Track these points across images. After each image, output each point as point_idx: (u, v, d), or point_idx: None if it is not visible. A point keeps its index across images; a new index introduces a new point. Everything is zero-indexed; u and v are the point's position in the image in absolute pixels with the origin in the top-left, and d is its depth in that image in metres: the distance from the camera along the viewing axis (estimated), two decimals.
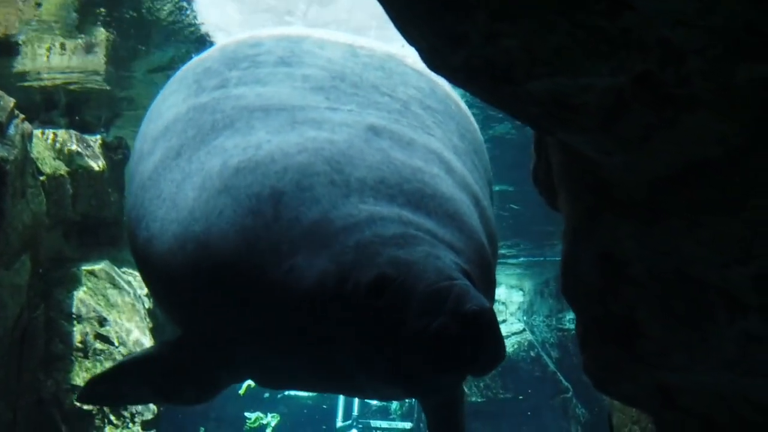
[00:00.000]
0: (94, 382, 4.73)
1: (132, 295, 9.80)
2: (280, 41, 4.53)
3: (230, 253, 3.66)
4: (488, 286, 4.22)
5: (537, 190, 4.20)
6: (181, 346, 4.19)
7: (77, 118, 11.65)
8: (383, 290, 3.39)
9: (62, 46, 9.88)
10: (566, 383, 22.28)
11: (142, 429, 9.19)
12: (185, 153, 4.04)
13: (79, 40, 9.74)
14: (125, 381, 4.48)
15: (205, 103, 4.20)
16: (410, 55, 4.79)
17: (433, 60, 3.13)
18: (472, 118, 5.04)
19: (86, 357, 9.49)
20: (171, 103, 4.48)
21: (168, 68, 10.29)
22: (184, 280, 3.88)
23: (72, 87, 11.13)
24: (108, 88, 11.30)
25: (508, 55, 2.91)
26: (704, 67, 2.81)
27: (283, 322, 3.62)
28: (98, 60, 10.43)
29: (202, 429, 18.91)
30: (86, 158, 10.32)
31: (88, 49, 10.11)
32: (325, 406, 23.15)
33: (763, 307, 3.17)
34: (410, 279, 3.39)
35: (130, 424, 9.32)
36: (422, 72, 4.69)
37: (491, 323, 3.33)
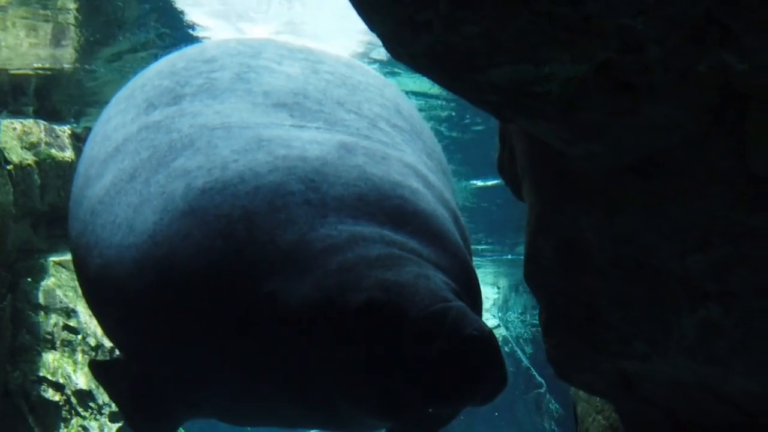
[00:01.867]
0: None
1: None
2: (234, 56, 4.28)
3: (198, 279, 3.48)
4: (475, 306, 3.95)
5: (502, 179, 4.22)
6: (136, 377, 3.91)
7: (46, 107, 11.57)
8: (373, 315, 3.20)
9: (30, 33, 9.80)
10: (540, 379, 22.38)
11: (110, 421, 9.15)
12: (141, 175, 3.81)
13: (47, 26, 9.67)
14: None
15: (158, 121, 3.97)
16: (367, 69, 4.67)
17: (394, 47, 3.13)
18: (435, 137, 4.87)
19: (54, 348, 9.44)
20: (118, 123, 4.21)
21: (137, 51, 10.25)
22: (144, 308, 3.66)
23: (41, 75, 11.06)
24: (77, 77, 11.23)
25: (469, 43, 2.92)
26: (664, 56, 2.82)
27: (261, 351, 3.41)
28: (67, 48, 10.36)
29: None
30: (54, 148, 10.25)
31: (57, 36, 10.03)
32: None
33: (723, 295, 3.20)
34: (402, 302, 3.20)
35: (98, 416, 9.28)
36: (384, 89, 4.50)
37: (494, 347, 3.20)
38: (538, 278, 3.75)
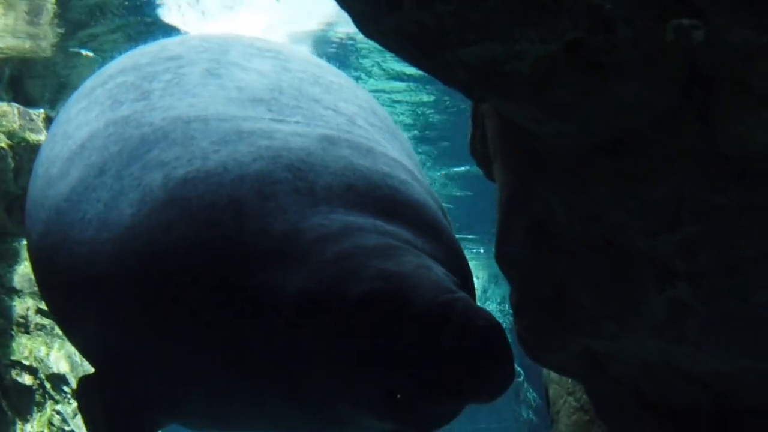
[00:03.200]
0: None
1: None
2: (200, 53, 4.15)
3: (185, 270, 3.33)
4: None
5: (474, 160, 4.23)
6: (112, 384, 3.68)
7: (21, 91, 11.48)
8: (374, 307, 3.04)
9: (4, 13, 9.71)
10: (518, 368, 22.46)
11: None
12: (111, 170, 3.66)
13: (23, 4, 9.59)
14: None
15: (126, 116, 3.81)
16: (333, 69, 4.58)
17: (365, 25, 3.13)
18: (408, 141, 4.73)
19: (27, 332, 9.39)
20: (81, 121, 4.05)
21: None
22: (125, 303, 3.49)
23: (15, 59, 10.97)
24: (52, 61, 11.15)
25: (440, 21, 2.92)
26: (633, 36, 2.83)
27: (254, 345, 3.25)
28: (43, 30, 10.29)
29: None
30: (29, 132, 10.17)
31: (32, 17, 9.95)
32: None
33: (691, 274, 3.22)
34: (405, 293, 3.04)
35: (72, 400, 9.25)
36: (357, 90, 4.41)
37: (505, 341, 3.02)
38: (509, 259, 3.76)
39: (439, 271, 3.23)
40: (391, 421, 3.15)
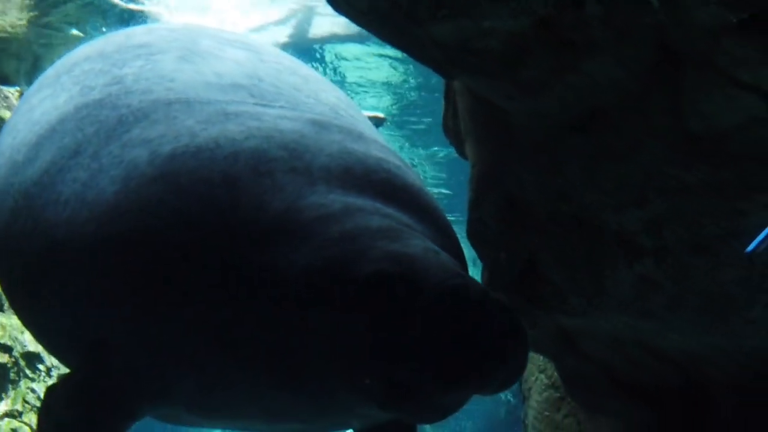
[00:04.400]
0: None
1: None
2: (170, 42, 4.03)
3: (178, 247, 3.20)
4: None
5: (447, 137, 4.26)
6: (90, 378, 3.50)
7: None
8: (383, 289, 2.91)
9: None
10: None
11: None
12: (87, 150, 3.55)
13: None
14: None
15: (100, 99, 3.71)
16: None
17: (339, 3, 3.14)
18: None
19: (2, 310, 9.38)
20: (47, 108, 3.92)
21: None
22: (111, 285, 3.35)
23: None
24: (27, 38, 11.07)
25: None
26: (603, 13, 2.86)
27: (253, 326, 3.13)
28: (14, 6, 10.21)
29: None
30: (3, 109, 10.11)
31: None
32: None
33: (657, 250, 3.27)
34: (415, 275, 2.90)
35: (46, 378, 9.24)
36: (330, 84, 4.35)
37: (521, 326, 2.90)
38: (481, 236, 3.79)
39: (444, 255, 3.09)
40: (395, 410, 2.99)
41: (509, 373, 2.87)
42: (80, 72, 3.96)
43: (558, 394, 4.87)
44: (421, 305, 2.83)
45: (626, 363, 3.98)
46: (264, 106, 3.59)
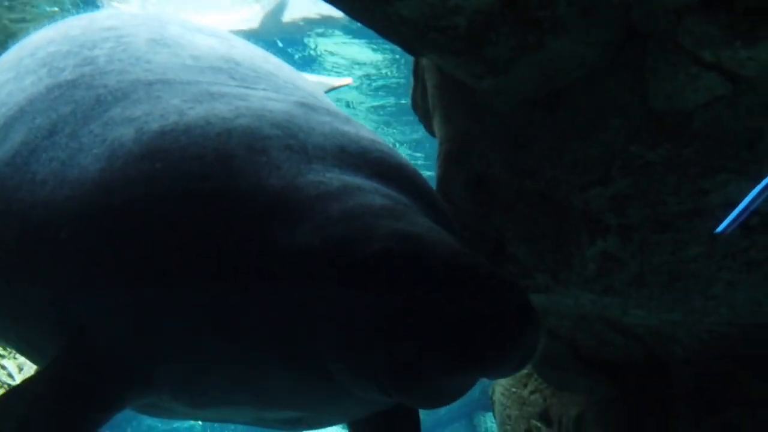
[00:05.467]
0: None
1: None
2: (138, 26, 3.92)
3: (169, 226, 3.10)
4: None
5: (416, 114, 4.27)
6: (70, 369, 3.31)
7: None
8: (390, 267, 2.80)
9: None
10: None
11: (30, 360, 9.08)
12: (63, 130, 3.45)
13: None
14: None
15: (73, 80, 3.63)
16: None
17: None
18: None
19: None
20: (11, 89, 3.81)
21: None
22: (97, 270, 3.22)
23: None
24: None
25: None
26: None
27: (250, 307, 3.02)
28: None
29: None
30: None
31: None
32: None
33: (621, 228, 3.30)
34: (423, 254, 2.81)
35: (17, 355, 9.24)
36: (301, 74, 4.31)
37: (532, 307, 2.81)
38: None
39: (448, 235, 3.01)
40: (401, 393, 2.84)
41: (524, 354, 2.72)
42: (45, 54, 3.85)
43: (525, 371, 4.92)
44: (432, 284, 2.73)
45: (591, 340, 4.03)
46: (247, 88, 3.51)
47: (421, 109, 4.11)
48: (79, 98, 3.52)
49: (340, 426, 3.91)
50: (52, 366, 3.34)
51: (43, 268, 3.34)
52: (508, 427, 4.73)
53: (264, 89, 3.54)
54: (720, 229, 3.17)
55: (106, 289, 3.21)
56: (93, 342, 3.27)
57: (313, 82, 4.21)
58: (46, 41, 3.96)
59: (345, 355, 2.88)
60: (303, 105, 3.42)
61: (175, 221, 3.08)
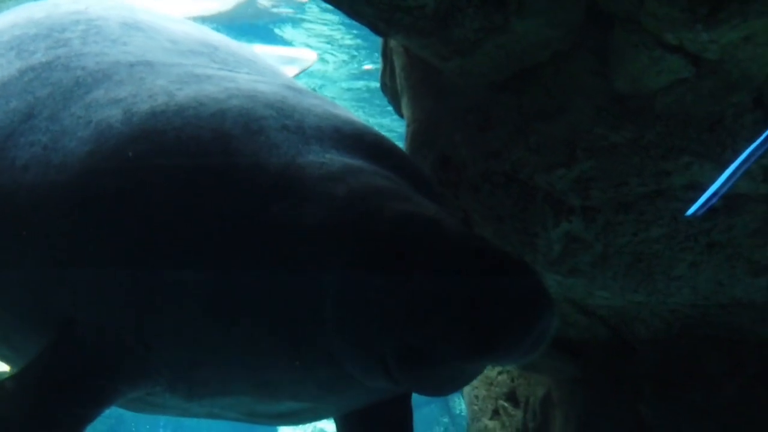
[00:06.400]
0: None
1: None
2: (107, 10, 3.80)
3: (166, 207, 2.99)
4: None
5: (384, 95, 4.28)
6: (51, 364, 3.17)
7: None
8: (400, 249, 2.72)
9: None
10: None
11: None
12: (41, 113, 3.35)
13: None
14: None
15: (47, 62, 3.52)
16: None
17: None
18: None
19: None
20: None
21: None
22: (90, 255, 3.11)
23: None
24: None
25: None
26: None
27: (252, 291, 2.92)
28: None
29: None
30: None
31: None
32: None
33: (585, 209, 3.33)
34: (433, 235, 2.74)
35: None
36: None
37: (546, 291, 2.72)
38: None
39: (455, 218, 2.95)
40: (409, 379, 2.76)
41: (536, 339, 2.62)
42: (11, 38, 3.72)
43: None
44: (445, 268, 2.64)
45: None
46: (231, 71, 3.42)
47: (389, 90, 4.11)
48: (56, 80, 3.44)
49: (327, 421, 3.83)
50: (37, 361, 3.18)
51: (28, 255, 3.23)
52: (476, 407, 4.76)
53: (248, 73, 3.47)
54: (690, 212, 3.20)
55: (99, 274, 3.09)
56: (83, 333, 3.13)
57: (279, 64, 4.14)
58: (8, 25, 3.84)
59: (354, 340, 2.79)
60: (291, 88, 3.36)
61: (172, 202, 2.98)
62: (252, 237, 2.87)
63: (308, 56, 10.75)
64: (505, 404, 4.57)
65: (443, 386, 2.81)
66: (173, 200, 2.98)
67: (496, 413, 4.62)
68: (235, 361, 3.00)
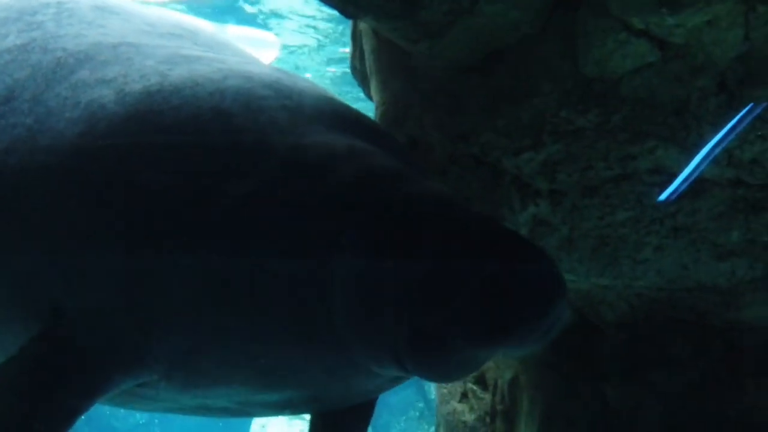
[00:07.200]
0: None
1: None
2: None
3: (167, 188, 2.89)
4: None
5: (354, 78, 4.28)
6: (40, 353, 3.04)
7: None
8: (415, 230, 2.66)
9: None
10: None
11: None
12: (22, 95, 3.26)
13: None
14: None
15: (23, 44, 3.43)
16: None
17: None
18: None
19: None
20: None
21: None
22: (85, 240, 2.99)
23: None
24: None
25: None
26: None
27: (258, 278, 2.83)
28: None
29: None
30: None
31: None
32: None
33: (552, 193, 3.35)
34: (446, 217, 2.69)
35: None
36: None
37: (561, 276, 2.67)
38: None
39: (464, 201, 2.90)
40: (420, 364, 2.69)
41: (550, 325, 2.58)
42: None
43: None
44: (457, 251, 2.59)
45: None
46: (216, 54, 3.33)
47: (359, 73, 4.11)
48: (35, 62, 3.35)
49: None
50: (23, 352, 3.04)
51: (14, 240, 3.12)
52: (445, 390, 4.79)
53: (233, 54, 3.41)
54: (662, 197, 3.23)
55: (95, 258, 2.99)
56: (73, 320, 3.02)
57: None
58: None
59: (364, 324, 2.72)
60: (281, 71, 3.29)
61: (172, 181, 2.90)
62: (258, 218, 2.80)
63: (270, 38, 10.68)
64: (474, 387, 4.59)
65: (452, 372, 2.77)
66: (174, 180, 2.89)
67: (464, 396, 4.64)
68: (238, 348, 2.90)
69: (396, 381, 3.02)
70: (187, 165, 2.89)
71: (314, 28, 10.58)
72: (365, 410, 3.46)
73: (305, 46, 11.16)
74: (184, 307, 2.87)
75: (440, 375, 2.80)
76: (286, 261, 2.78)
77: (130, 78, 3.09)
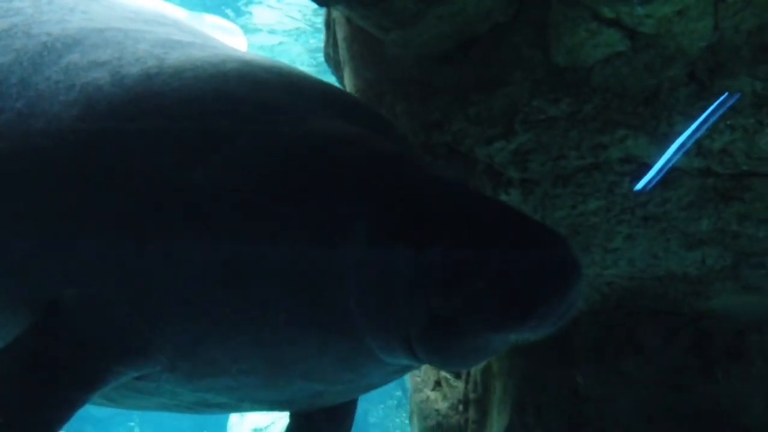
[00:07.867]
0: None
1: None
2: None
3: (170, 172, 2.82)
4: None
5: (328, 66, 4.27)
6: (38, 345, 2.95)
7: None
8: (428, 218, 2.61)
9: None
10: None
11: None
12: (8, 80, 3.16)
13: None
14: None
15: (4, 29, 3.34)
16: None
17: None
18: None
19: None
20: None
21: None
22: (83, 227, 2.91)
23: None
24: None
25: None
26: None
27: (268, 264, 2.75)
28: None
29: None
30: None
31: None
32: None
33: (524, 182, 3.36)
34: (462, 203, 2.65)
35: None
36: None
37: (579, 261, 2.62)
38: None
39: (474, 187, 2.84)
40: (435, 352, 2.64)
41: (566, 309, 2.54)
42: None
43: None
44: (473, 235, 2.55)
45: None
46: (204, 41, 3.26)
47: (333, 61, 4.10)
48: (20, 47, 3.26)
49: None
50: (20, 341, 2.95)
51: (8, 227, 3.03)
52: (418, 379, 4.80)
53: (223, 46, 3.33)
54: (639, 186, 3.25)
55: (98, 244, 2.90)
56: (73, 309, 2.93)
57: None
58: None
59: (378, 311, 2.66)
60: (273, 60, 3.21)
61: (177, 164, 2.82)
62: (268, 202, 2.73)
63: (232, 28, 10.65)
64: (447, 376, 4.61)
65: (467, 358, 2.70)
66: (178, 162, 2.82)
67: (438, 384, 4.66)
68: (247, 336, 2.82)
69: (402, 372, 2.98)
70: (191, 149, 2.82)
71: (291, 17, 10.55)
72: (345, 418, 3.50)
73: (284, 31, 11.12)
74: (190, 295, 2.80)
75: (454, 362, 2.76)
76: (296, 248, 2.71)
77: (125, 61, 3.02)
